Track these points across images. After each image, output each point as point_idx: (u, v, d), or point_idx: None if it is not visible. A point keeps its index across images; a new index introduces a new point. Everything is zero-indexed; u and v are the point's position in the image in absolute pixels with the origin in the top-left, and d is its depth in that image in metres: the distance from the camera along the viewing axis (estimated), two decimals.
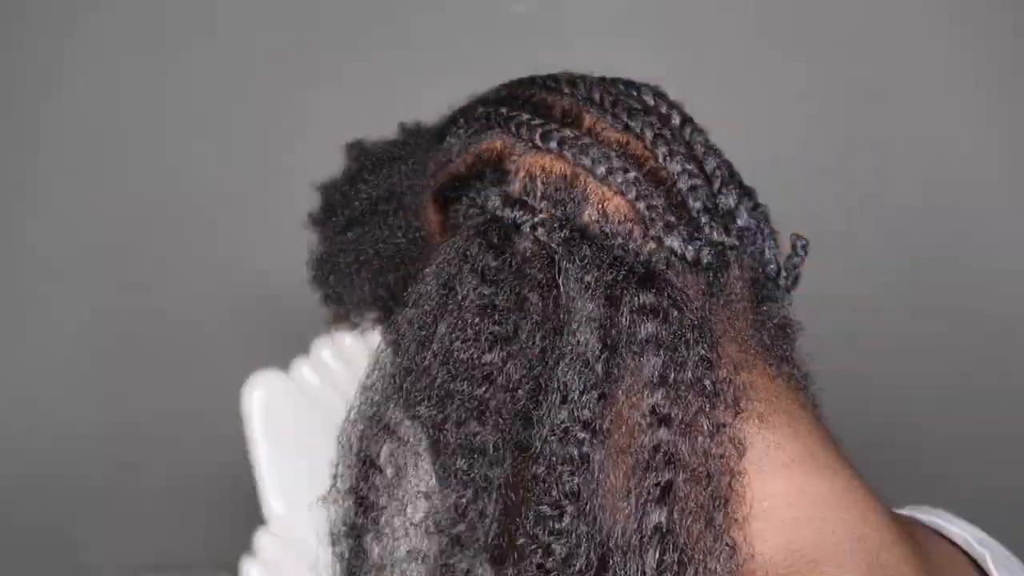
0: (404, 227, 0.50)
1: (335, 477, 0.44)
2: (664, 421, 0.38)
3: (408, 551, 0.42)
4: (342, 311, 0.56)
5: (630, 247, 0.41)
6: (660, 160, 0.43)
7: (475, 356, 0.40)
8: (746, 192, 0.45)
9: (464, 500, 0.40)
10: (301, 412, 0.90)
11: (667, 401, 0.39)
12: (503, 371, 0.40)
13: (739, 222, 0.43)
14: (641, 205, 0.41)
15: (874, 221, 1.15)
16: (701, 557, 0.37)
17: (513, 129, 0.44)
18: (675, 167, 0.42)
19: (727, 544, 0.38)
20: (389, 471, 0.43)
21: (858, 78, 1.13)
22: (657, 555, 0.37)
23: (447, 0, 1.11)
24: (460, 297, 0.41)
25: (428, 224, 0.48)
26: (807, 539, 0.38)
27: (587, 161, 0.42)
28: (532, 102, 0.45)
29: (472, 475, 0.40)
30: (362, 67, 1.10)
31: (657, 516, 0.37)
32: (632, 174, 0.42)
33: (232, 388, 0.94)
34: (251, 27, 1.12)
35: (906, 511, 0.50)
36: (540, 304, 0.41)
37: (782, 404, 0.42)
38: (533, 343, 0.41)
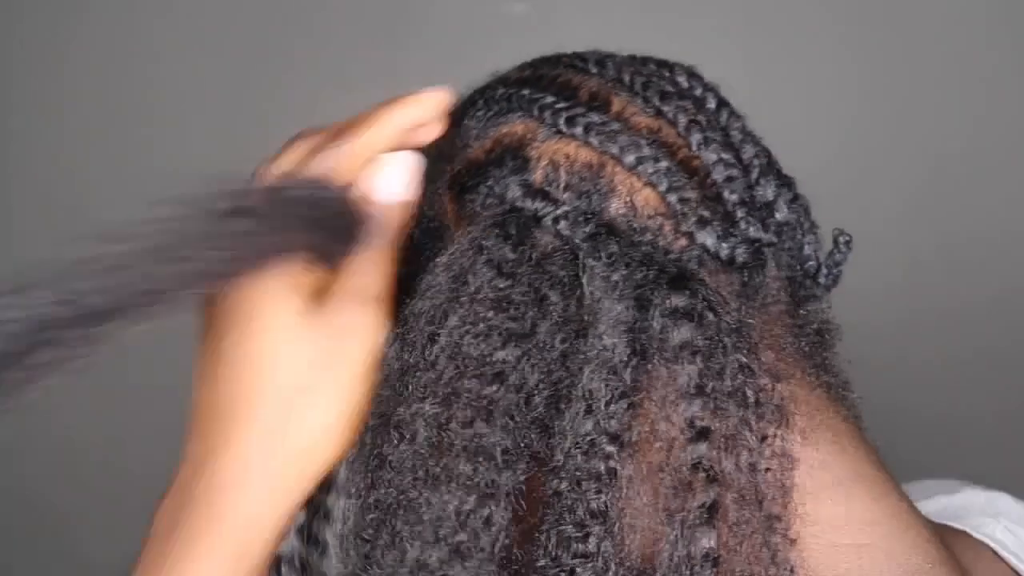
0: (416, 218, 0.45)
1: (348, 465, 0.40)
2: (703, 435, 0.35)
3: (412, 559, 0.37)
4: None
5: (660, 244, 0.38)
6: (694, 148, 0.39)
7: (486, 352, 0.37)
8: (785, 183, 0.41)
9: (466, 507, 0.36)
10: None
11: (706, 412, 0.35)
12: (516, 370, 0.37)
13: (777, 216, 0.40)
14: (673, 198, 0.38)
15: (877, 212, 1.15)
16: None
17: (536, 112, 0.41)
18: (710, 156, 0.39)
19: (787, 568, 0.35)
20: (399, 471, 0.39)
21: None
22: None
23: (447, 0, 1.11)
24: (473, 290, 0.38)
25: (443, 215, 0.44)
26: (854, 571, 0.36)
27: (615, 149, 0.39)
28: (557, 83, 0.42)
29: (476, 480, 0.36)
30: (361, 66, 1.10)
31: (706, 541, 0.34)
32: (664, 163, 0.39)
33: None
34: (251, 26, 1.12)
35: (921, 485, 0.47)
36: (561, 303, 0.38)
37: (825, 418, 0.39)
38: (553, 345, 0.37)
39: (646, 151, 0.39)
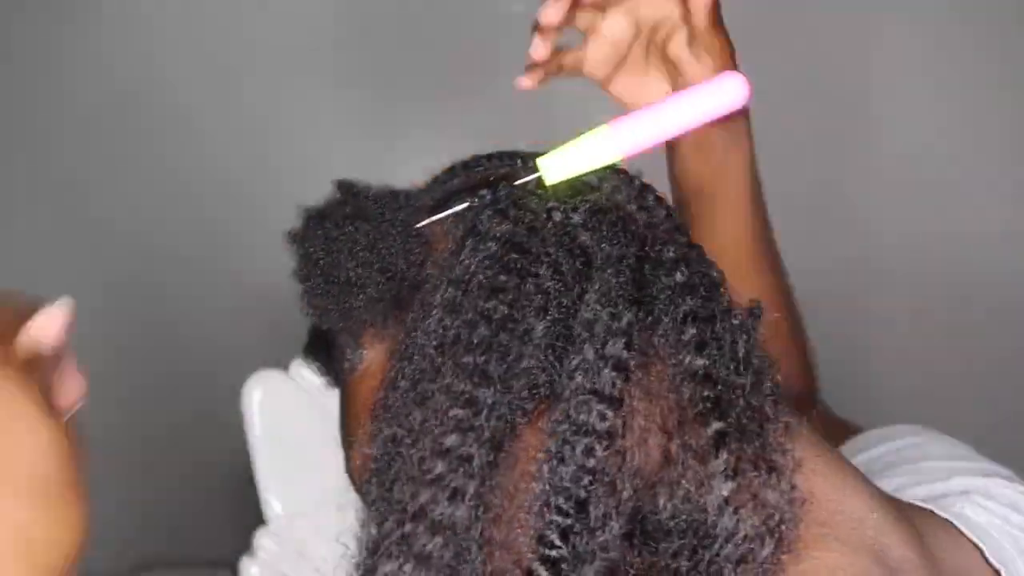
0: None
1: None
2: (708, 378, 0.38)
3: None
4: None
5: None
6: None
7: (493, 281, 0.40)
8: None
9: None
10: (301, 412, 0.90)
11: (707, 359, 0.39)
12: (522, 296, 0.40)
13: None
14: None
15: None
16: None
17: None
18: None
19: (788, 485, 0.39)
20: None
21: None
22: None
23: (447, 0, 1.11)
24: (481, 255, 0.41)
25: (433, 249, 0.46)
26: (812, 517, 0.39)
27: None
28: None
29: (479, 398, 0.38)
30: (361, 66, 1.10)
31: (723, 489, 0.37)
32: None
33: (232, 388, 0.94)
34: (251, 26, 1.12)
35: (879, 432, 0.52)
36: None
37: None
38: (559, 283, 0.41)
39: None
